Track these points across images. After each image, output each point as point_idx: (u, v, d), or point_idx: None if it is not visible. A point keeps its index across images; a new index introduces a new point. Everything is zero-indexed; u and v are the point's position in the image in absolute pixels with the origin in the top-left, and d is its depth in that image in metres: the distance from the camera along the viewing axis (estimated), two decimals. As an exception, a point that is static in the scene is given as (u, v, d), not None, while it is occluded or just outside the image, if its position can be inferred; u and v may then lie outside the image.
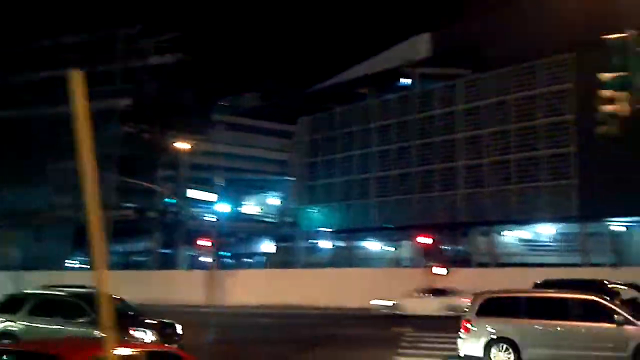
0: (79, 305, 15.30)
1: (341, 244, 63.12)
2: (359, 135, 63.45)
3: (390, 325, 24.40)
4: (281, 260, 60.49)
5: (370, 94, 63.91)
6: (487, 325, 14.61)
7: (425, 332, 21.99)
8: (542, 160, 50.49)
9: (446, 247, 47.38)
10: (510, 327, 14.35)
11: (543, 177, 50.04)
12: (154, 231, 62.53)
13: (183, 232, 59.28)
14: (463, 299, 30.65)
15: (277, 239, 69.10)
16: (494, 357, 14.29)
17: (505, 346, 14.23)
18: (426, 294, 31.25)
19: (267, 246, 69.98)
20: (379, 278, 38.19)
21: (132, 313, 16.80)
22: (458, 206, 54.69)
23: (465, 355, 14.95)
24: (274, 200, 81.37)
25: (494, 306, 14.94)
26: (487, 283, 32.26)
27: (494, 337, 14.38)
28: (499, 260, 48.52)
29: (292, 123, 73.11)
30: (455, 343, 19.50)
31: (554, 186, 49.06)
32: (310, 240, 65.00)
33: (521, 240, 53.21)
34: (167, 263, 59.60)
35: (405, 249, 53.31)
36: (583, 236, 47.35)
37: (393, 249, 59.09)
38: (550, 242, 51.17)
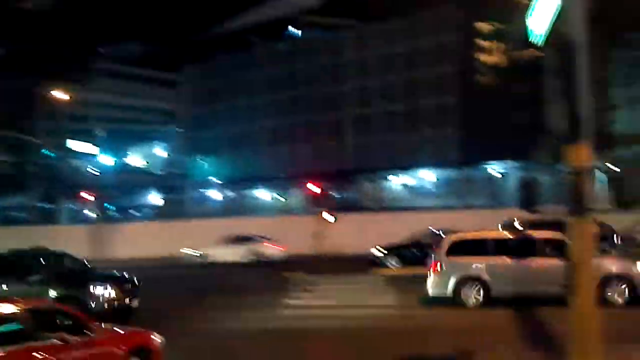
0: (29, 264, 14.51)
1: (232, 194, 62.85)
2: (247, 84, 62.69)
3: (281, 270, 24.76)
4: (170, 212, 59.43)
5: (258, 42, 62.98)
6: (457, 266, 14.92)
7: (314, 276, 22.50)
8: (426, 110, 52.30)
9: (335, 194, 48.33)
10: (481, 266, 14.75)
11: (426, 126, 51.93)
12: (32, 185, 59.43)
13: (64, 185, 56.74)
14: (267, 245, 31.86)
15: (165, 191, 67.69)
16: (465, 296, 14.71)
17: (475, 285, 14.74)
18: (232, 242, 32.28)
19: (155, 198, 68.44)
20: (269, 227, 38.49)
21: (88, 269, 16.09)
22: (346, 154, 55.82)
23: (434, 294, 15.26)
24: (160, 151, 79.29)
25: (463, 247, 15.25)
26: (373, 227, 33.48)
27: (464, 277, 14.77)
28: (385, 205, 50.22)
29: (177, 71, 71.00)
30: (344, 284, 20.29)
31: (436, 134, 51.10)
32: (199, 191, 64.23)
33: (405, 185, 55.24)
34: (48, 218, 57.02)
35: (296, 197, 53.91)
36: (463, 181, 49.86)
37: (283, 197, 59.58)
38: (432, 186, 53.52)
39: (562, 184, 6.87)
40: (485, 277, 14.73)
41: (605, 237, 18.65)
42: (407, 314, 14.74)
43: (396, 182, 55.68)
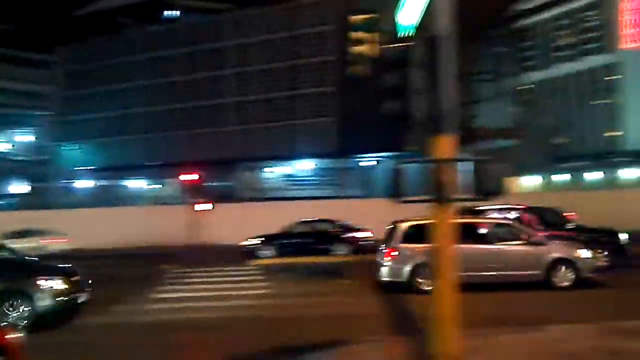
0: None
1: (104, 182, 60.42)
2: (121, 67, 60.37)
3: (159, 263, 24.12)
4: (35, 201, 56.15)
5: (132, 24, 60.78)
6: (412, 252, 15.03)
7: (188, 268, 22.13)
8: (304, 99, 52.75)
9: (212, 183, 47.72)
10: None
11: (305, 115, 52.42)
12: None
13: None
14: (46, 239, 31.64)
15: (31, 179, 63.99)
16: (420, 281, 14.82)
17: (429, 271, 14.68)
18: (10, 236, 31.86)
19: (19, 187, 64.50)
20: (141, 216, 37.43)
21: (30, 260, 14.80)
22: (225, 142, 55.19)
23: (389, 280, 15.30)
24: (26, 136, 74.77)
25: (417, 233, 15.07)
26: (250, 217, 33.37)
27: (420, 262, 14.81)
28: (263, 195, 50.27)
29: (48, 52, 67.13)
30: (217, 275, 20.05)
31: (315, 124, 51.70)
32: (68, 180, 61.22)
33: (284, 175, 55.55)
34: None
35: (171, 187, 52.70)
36: (339, 171, 50.85)
37: (158, 186, 58.06)
38: (309, 176, 54.19)
39: (428, 174, 7.05)
40: None
41: (552, 223, 19.29)
42: (282, 304, 14.76)
43: (275, 171, 55.86)
